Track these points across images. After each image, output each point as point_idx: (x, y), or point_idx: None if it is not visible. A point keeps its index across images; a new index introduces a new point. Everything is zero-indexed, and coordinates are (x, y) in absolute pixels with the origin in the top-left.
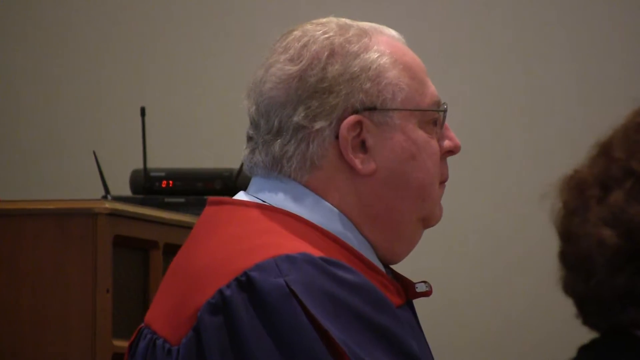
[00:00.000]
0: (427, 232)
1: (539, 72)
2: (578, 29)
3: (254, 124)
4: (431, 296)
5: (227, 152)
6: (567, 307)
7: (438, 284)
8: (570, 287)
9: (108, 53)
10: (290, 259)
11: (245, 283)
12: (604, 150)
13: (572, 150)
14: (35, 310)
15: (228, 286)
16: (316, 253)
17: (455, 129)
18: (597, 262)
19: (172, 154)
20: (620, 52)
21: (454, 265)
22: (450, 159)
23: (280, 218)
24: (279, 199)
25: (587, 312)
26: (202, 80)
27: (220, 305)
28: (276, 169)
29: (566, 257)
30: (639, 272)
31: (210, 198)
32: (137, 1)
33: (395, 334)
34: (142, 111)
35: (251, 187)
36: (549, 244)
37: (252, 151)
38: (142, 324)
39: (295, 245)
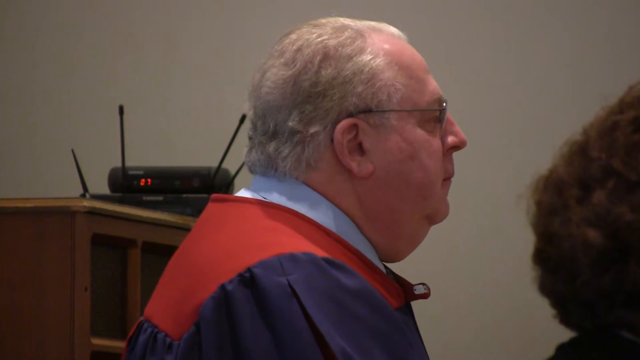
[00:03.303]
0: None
1: (535, 71)
2: (574, 26)
3: (253, 125)
4: (430, 298)
5: (205, 151)
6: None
7: (437, 286)
8: (549, 288)
9: (86, 51)
10: (294, 258)
11: (249, 279)
12: (580, 149)
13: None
14: (13, 308)
15: (231, 282)
16: (319, 253)
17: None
18: (581, 263)
19: (150, 153)
20: (618, 51)
21: (453, 266)
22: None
23: (284, 216)
24: (280, 197)
25: (569, 313)
26: (180, 79)
27: (222, 300)
28: (272, 168)
29: (545, 258)
30: (623, 272)
31: (214, 195)
32: (114, 0)
33: (394, 340)
34: (121, 109)
35: (252, 185)
36: None
37: (250, 150)
38: (142, 318)
39: (299, 245)
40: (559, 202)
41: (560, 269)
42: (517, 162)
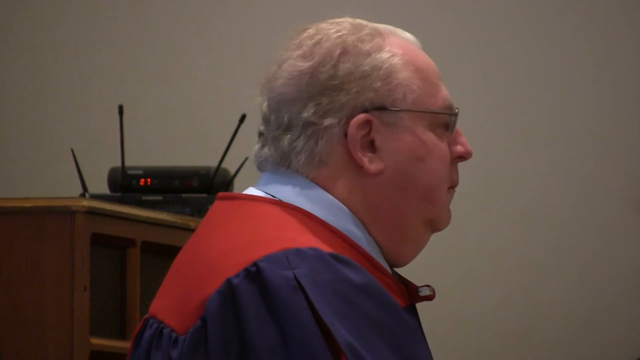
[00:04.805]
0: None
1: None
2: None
3: (265, 120)
4: (435, 301)
5: (205, 150)
6: (561, 306)
7: (443, 289)
8: None
9: (86, 51)
10: (300, 252)
11: (254, 273)
12: None
13: (569, 149)
14: (12, 308)
15: (236, 276)
16: (326, 249)
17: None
18: None
19: (149, 152)
20: (620, 53)
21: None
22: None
23: (290, 213)
24: (288, 195)
25: None
26: (180, 78)
27: (228, 294)
28: (284, 164)
29: None
30: None
31: (220, 193)
32: (114, 0)
33: (399, 334)
34: (120, 109)
35: (260, 182)
36: (545, 246)
37: (262, 147)
38: (147, 315)
39: (306, 240)
40: None
41: None
42: (523, 170)
